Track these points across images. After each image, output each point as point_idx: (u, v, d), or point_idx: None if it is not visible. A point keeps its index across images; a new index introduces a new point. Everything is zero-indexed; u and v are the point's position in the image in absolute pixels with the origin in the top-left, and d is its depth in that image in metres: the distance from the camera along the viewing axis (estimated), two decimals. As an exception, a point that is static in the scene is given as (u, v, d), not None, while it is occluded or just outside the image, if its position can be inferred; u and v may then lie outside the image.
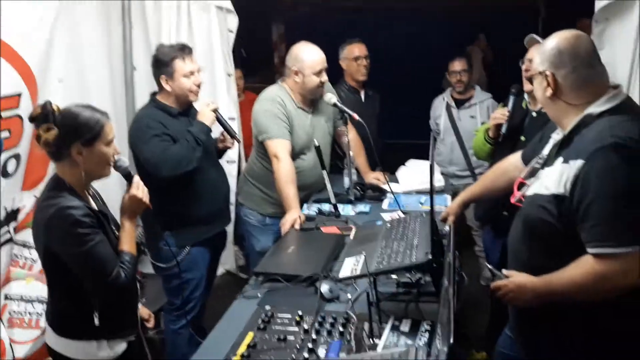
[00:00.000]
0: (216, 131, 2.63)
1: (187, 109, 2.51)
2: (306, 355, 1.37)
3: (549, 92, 1.54)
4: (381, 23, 5.67)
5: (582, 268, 1.40)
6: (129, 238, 1.76)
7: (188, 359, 2.56)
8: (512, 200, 1.70)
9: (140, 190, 1.79)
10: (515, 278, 1.52)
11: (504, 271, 1.57)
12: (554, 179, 1.48)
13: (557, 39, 1.55)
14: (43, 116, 1.65)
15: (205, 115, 2.45)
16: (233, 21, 3.45)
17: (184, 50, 2.42)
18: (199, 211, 2.48)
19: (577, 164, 1.41)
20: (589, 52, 1.53)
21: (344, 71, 3.42)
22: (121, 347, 1.80)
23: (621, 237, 1.35)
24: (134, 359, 1.89)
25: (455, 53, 3.70)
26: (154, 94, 2.51)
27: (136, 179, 1.81)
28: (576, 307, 1.46)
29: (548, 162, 1.60)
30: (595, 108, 1.49)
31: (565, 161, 1.47)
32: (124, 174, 1.84)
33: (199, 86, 2.46)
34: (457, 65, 3.62)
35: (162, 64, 2.40)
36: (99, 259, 1.64)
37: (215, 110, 2.48)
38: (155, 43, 3.25)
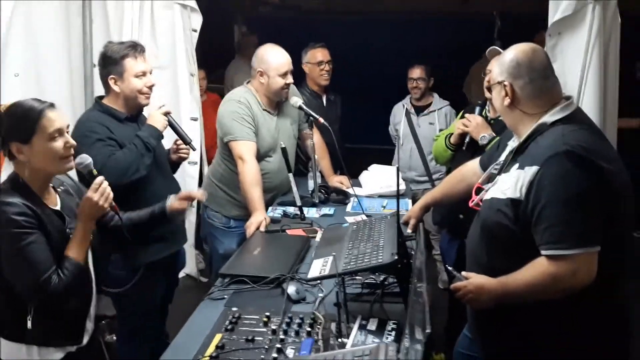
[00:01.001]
0: (169, 140, 2.45)
1: (136, 115, 2.32)
2: (275, 355, 1.38)
3: (507, 101, 1.62)
4: (344, 25, 5.71)
5: (536, 269, 1.47)
6: (76, 243, 1.65)
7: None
8: (471, 204, 1.77)
9: (98, 193, 1.67)
10: (474, 279, 1.57)
11: (463, 273, 1.62)
12: (510, 184, 1.55)
13: (515, 52, 1.63)
14: None
15: (155, 119, 2.27)
16: (197, 20, 3.42)
17: (136, 48, 2.23)
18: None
19: (532, 170, 1.49)
20: (544, 64, 1.62)
21: (306, 75, 3.44)
22: (55, 356, 1.68)
23: (572, 239, 1.43)
24: None
25: (416, 59, 3.81)
26: (99, 98, 2.31)
27: (98, 180, 1.70)
28: (532, 307, 1.53)
29: (505, 168, 1.68)
30: (548, 117, 1.58)
31: (521, 167, 1.54)
32: (85, 173, 1.75)
33: (150, 88, 2.26)
34: (415, 72, 3.74)
35: (110, 62, 2.20)
36: (29, 260, 1.55)
37: (167, 114, 2.31)
38: (116, 39, 3.19)
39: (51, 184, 1.74)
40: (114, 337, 2.77)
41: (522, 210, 1.50)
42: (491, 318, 1.63)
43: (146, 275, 2.27)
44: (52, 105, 1.63)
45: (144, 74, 2.23)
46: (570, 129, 1.54)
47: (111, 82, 2.22)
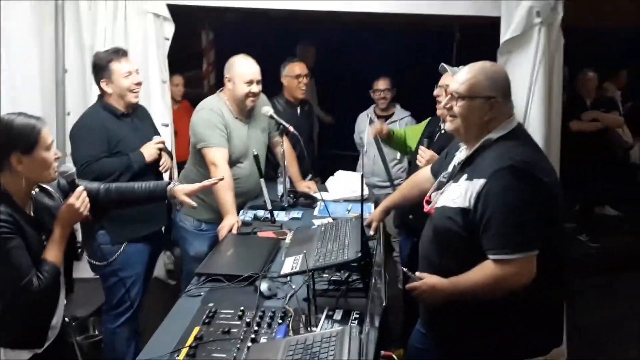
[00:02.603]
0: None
1: (131, 112, 2.62)
2: (249, 344, 1.53)
3: (489, 116, 1.72)
4: (310, 34, 5.83)
5: (483, 271, 1.66)
6: (55, 247, 1.75)
7: (125, 358, 2.64)
8: (425, 210, 1.95)
9: (79, 200, 1.79)
10: (427, 280, 1.74)
11: (417, 274, 1.78)
12: (460, 194, 1.72)
13: (500, 68, 1.76)
14: None
15: (147, 149, 2.59)
16: (169, 28, 3.47)
17: (119, 53, 2.56)
18: (132, 208, 2.46)
19: (479, 182, 1.67)
20: None
21: (284, 87, 3.57)
22: (22, 356, 1.76)
23: (515, 245, 1.62)
24: None
25: (380, 70, 4.00)
26: (101, 95, 2.59)
27: (79, 189, 1.82)
28: (479, 304, 1.71)
29: (453, 177, 1.85)
30: (494, 134, 1.75)
31: (469, 179, 1.72)
32: (67, 182, 1.86)
33: (138, 85, 2.58)
34: (382, 84, 3.93)
35: (100, 69, 2.53)
36: (11, 264, 1.63)
37: (160, 149, 2.65)
38: (88, 46, 3.26)
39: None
40: (84, 339, 2.87)
41: (471, 218, 1.68)
42: (442, 314, 1.80)
43: (129, 250, 2.57)
44: (43, 120, 1.76)
45: (130, 73, 2.54)
46: (513, 144, 1.72)
47: (103, 85, 2.54)
